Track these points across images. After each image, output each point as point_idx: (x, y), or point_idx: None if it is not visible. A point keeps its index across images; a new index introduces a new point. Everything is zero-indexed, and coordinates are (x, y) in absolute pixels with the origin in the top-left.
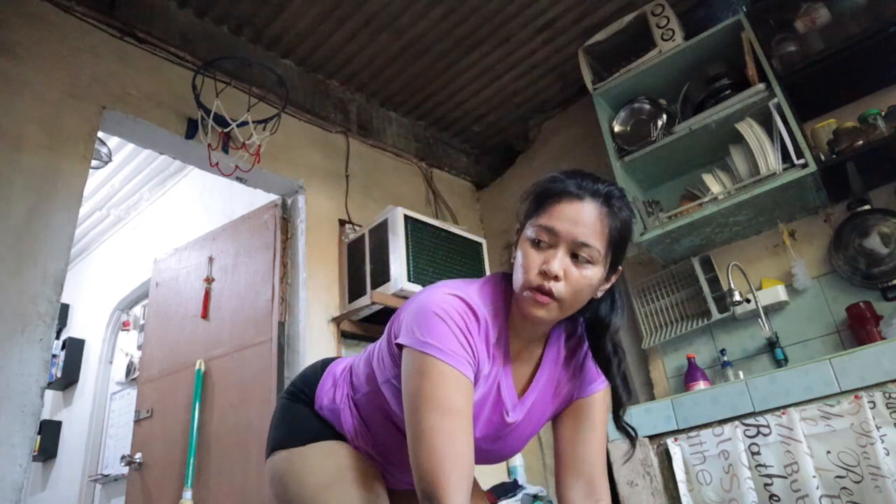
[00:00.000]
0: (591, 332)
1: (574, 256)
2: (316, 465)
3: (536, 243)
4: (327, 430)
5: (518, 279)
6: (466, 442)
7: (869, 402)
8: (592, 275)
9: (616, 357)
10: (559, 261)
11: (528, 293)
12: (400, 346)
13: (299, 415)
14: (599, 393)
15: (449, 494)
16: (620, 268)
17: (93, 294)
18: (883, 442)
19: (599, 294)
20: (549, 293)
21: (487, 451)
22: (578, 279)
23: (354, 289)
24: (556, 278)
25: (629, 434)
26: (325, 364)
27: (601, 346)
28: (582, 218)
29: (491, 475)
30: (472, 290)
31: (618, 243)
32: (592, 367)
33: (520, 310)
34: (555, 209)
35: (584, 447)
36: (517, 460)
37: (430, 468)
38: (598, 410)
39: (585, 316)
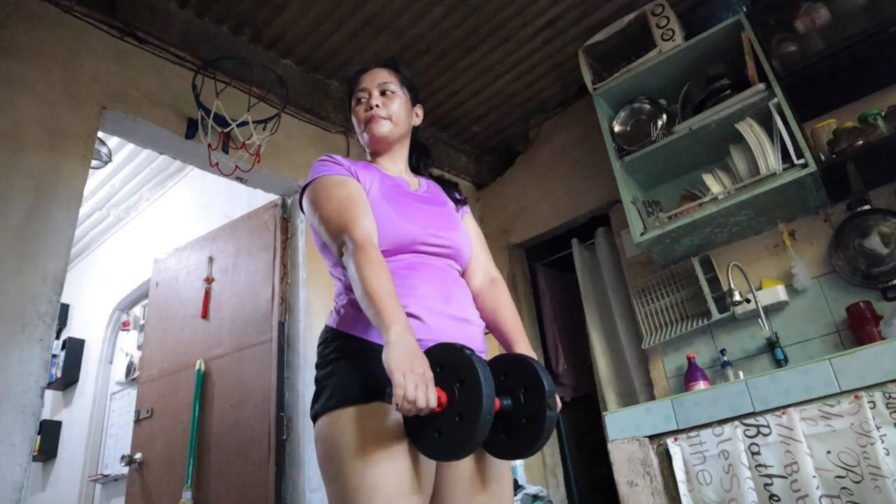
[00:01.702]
0: (421, 152)
1: (383, 94)
2: (355, 438)
3: (359, 102)
4: (362, 384)
5: (359, 129)
6: (358, 197)
7: (869, 402)
8: (400, 100)
9: (429, 157)
10: (375, 97)
11: (365, 125)
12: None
13: (335, 376)
14: (468, 213)
15: (352, 230)
16: (420, 105)
17: (93, 294)
18: (883, 442)
19: (417, 122)
20: (378, 114)
21: (427, 218)
22: (391, 101)
23: None
24: (377, 106)
25: (425, 147)
26: (325, 328)
27: (426, 156)
28: (378, 73)
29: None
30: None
31: (410, 85)
32: (459, 198)
33: (368, 143)
34: (361, 79)
35: (474, 249)
36: (517, 460)
37: (336, 224)
38: (474, 226)
39: (417, 147)
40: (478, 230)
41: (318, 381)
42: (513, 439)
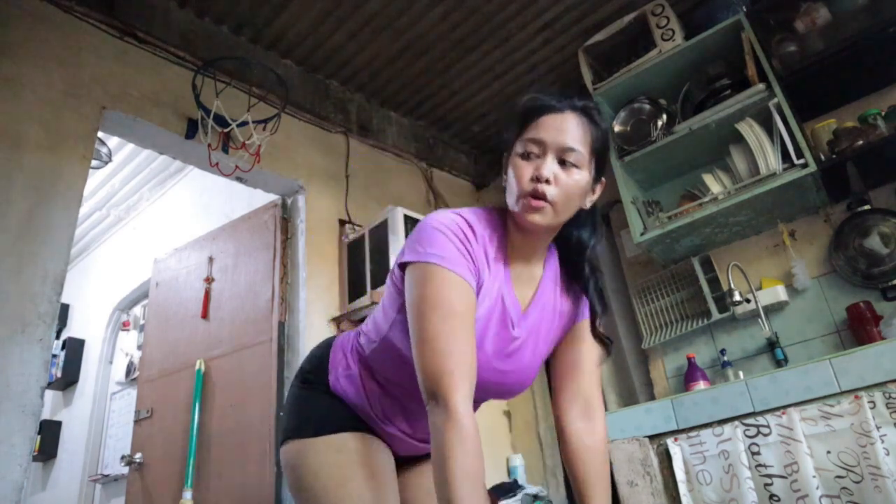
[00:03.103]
0: (573, 252)
1: (562, 163)
2: (328, 461)
3: (526, 156)
4: (338, 417)
5: (512, 191)
6: (468, 342)
7: (869, 402)
8: (580, 178)
9: (593, 276)
10: (548, 166)
11: (523, 201)
12: (403, 267)
13: (310, 403)
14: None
15: (452, 391)
16: (604, 179)
17: (93, 294)
18: (883, 442)
19: (588, 204)
20: (542, 196)
21: (500, 375)
22: (568, 182)
23: (354, 289)
24: (547, 182)
25: (604, 342)
26: (328, 343)
27: (580, 265)
28: (566, 126)
29: (491, 475)
30: (468, 212)
31: (600, 151)
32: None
33: (516, 222)
34: (539, 122)
35: (579, 368)
36: (517, 460)
37: (434, 368)
38: (589, 337)
39: (571, 236)
40: (592, 343)
41: (291, 398)
42: None
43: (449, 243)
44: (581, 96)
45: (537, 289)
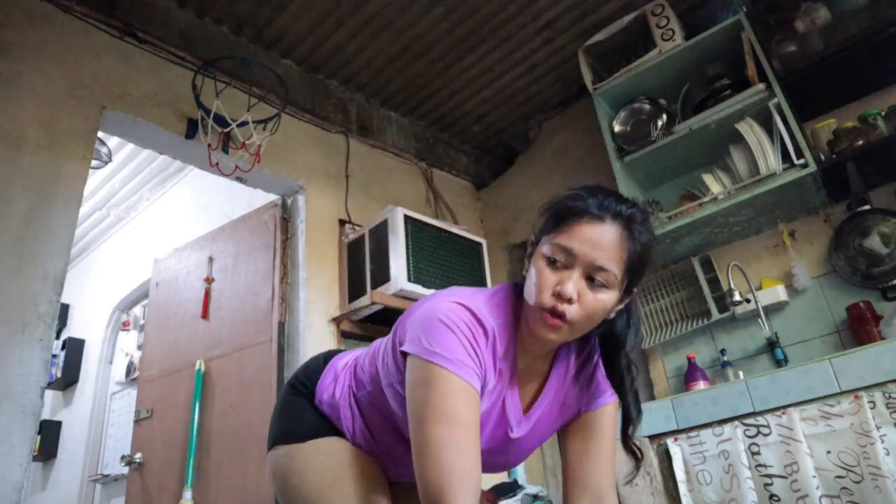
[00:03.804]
0: (605, 347)
1: (590, 279)
2: (317, 464)
3: (552, 262)
4: (327, 425)
5: (531, 297)
6: (474, 454)
7: (869, 402)
8: (607, 299)
9: (629, 375)
10: (574, 283)
11: (540, 314)
12: (405, 354)
13: (300, 409)
14: (609, 406)
15: None
16: (635, 290)
17: (93, 294)
18: (883, 442)
19: (612, 315)
20: (561, 315)
21: (490, 464)
22: (592, 303)
23: (354, 289)
24: (569, 301)
25: (635, 455)
26: (327, 357)
27: (615, 362)
28: (601, 241)
29: (491, 475)
30: (480, 301)
31: (636, 269)
32: (602, 381)
33: (529, 328)
34: (574, 229)
35: (592, 461)
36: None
37: (437, 482)
38: (607, 424)
39: (599, 331)
40: (611, 430)
41: (280, 404)
42: None
43: (457, 343)
44: (626, 202)
45: (543, 386)
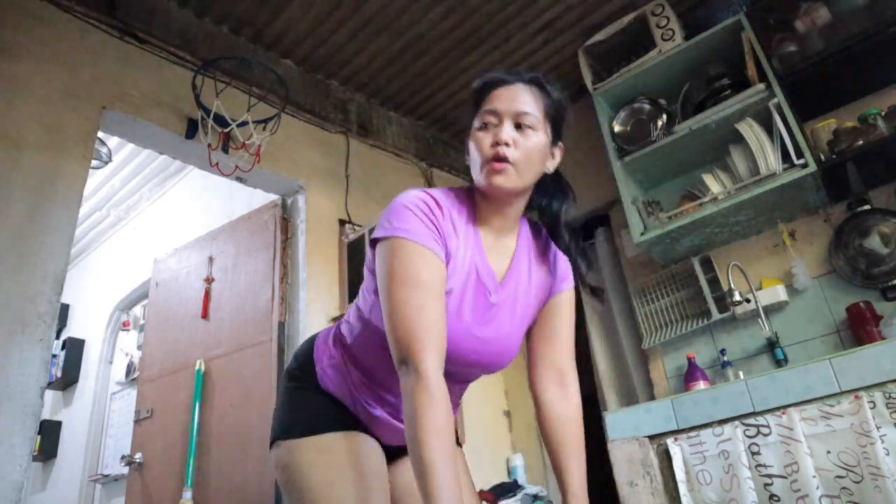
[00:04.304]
0: (549, 220)
1: (518, 127)
2: (315, 462)
3: (484, 127)
4: (327, 417)
5: (475, 163)
6: (436, 311)
7: (869, 402)
8: (537, 139)
9: (574, 240)
10: (506, 131)
11: (486, 167)
12: (374, 244)
13: (299, 402)
14: (567, 292)
15: (421, 356)
16: (562, 144)
17: (93, 294)
18: (883, 442)
19: (550, 168)
20: (504, 158)
21: (482, 343)
22: (526, 143)
23: (354, 289)
24: (507, 144)
25: (595, 290)
26: (313, 339)
27: (558, 233)
28: (518, 95)
29: (491, 475)
30: (438, 190)
31: (555, 117)
32: (563, 267)
33: (484, 193)
34: (492, 95)
35: (556, 340)
36: (517, 460)
37: (403, 335)
38: (566, 307)
39: (543, 205)
40: (569, 313)
41: (280, 398)
42: None
43: (415, 217)
44: (533, 71)
45: (512, 260)
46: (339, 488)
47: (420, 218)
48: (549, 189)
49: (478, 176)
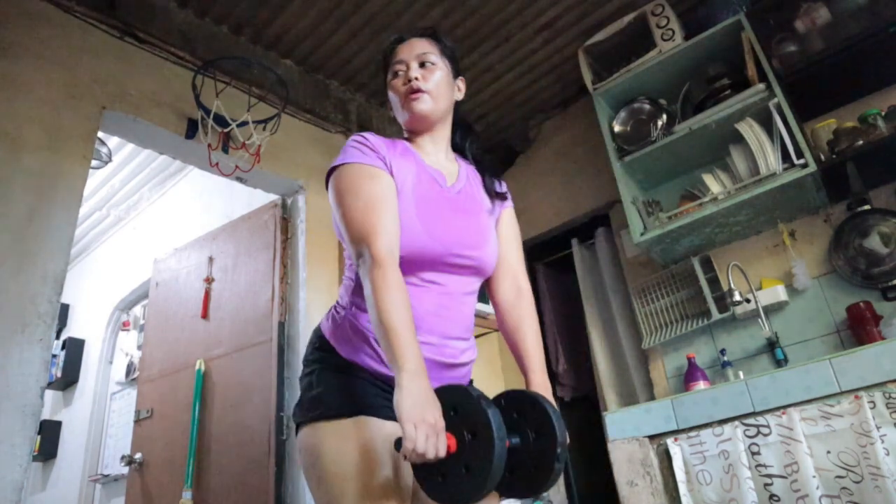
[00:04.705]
0: (461, 142)
1: (422, 65)
2: (337, 450)
3: (396, 75)
4: (350, 398)
5: (397, 106)
6: (386, 210)
7: (869, 402)
8: (441, 72)
9: (475, 147)
10: (414, 69)
11: (405, 101)
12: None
13: (321, 385)
14: (508, 209)
15: (372, 240)
16: (463, 77)
17: (93, 294)
18: (883, 442)
19: (459, 96)
20: (418, 89)
21: (459, 231)
22: (432, 75)
23: None
24: (416, 79)
25: (496, 173)
26: (317, 328)
27: (477, 157)
28: (417, 44)
29: None
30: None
31: (451, 56)
32: (498, 192)
33: (409, 124)
34: (397, 50)
35: (506, 251)
36: None
37: (357, 233)
38: (512, 223)
39: (458, 144)
40: (515, 230)
41: (302, 384)
42: (515, 478)
43: (353, 150)
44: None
45: (458, 171)
46: (354, 485)
47: (358, 148)
48: (458, 124)
49: (401, 114)
